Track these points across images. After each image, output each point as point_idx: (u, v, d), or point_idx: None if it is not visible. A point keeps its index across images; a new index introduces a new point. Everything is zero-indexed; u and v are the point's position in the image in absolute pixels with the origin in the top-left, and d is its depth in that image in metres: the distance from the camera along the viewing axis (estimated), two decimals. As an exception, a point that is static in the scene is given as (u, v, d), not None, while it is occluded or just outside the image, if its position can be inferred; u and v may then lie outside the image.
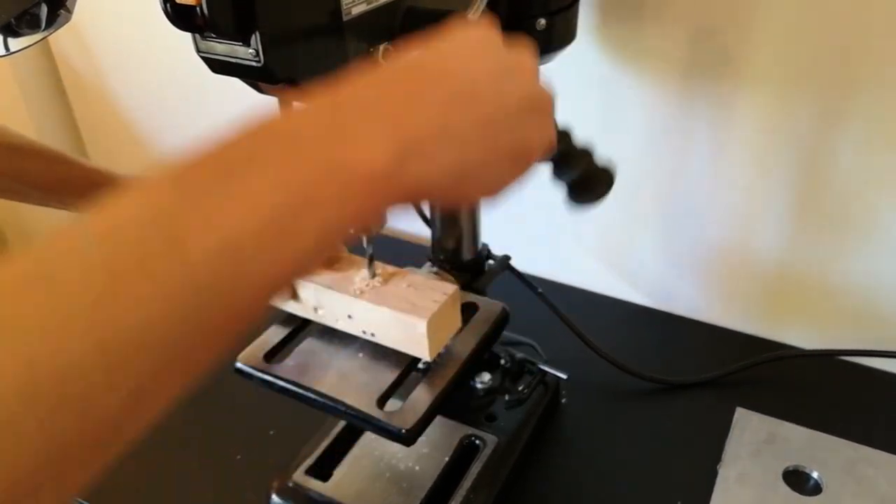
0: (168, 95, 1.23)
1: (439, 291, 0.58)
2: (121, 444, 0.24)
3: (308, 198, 0.27)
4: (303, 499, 0.66)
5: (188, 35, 0.43)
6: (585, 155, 0.52)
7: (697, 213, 0.86)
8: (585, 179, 0.51)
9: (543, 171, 0.93)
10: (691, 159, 0.83)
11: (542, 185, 0.94)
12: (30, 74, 1.31)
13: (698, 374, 0.82)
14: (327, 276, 0.61)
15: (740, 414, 0.77)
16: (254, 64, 0.42)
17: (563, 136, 0.52)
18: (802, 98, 0.74)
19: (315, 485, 0.67)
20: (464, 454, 0.70)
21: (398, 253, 1.04)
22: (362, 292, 0.59)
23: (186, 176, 0.26)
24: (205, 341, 0.26)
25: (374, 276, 0.60)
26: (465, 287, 0.70)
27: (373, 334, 0.60)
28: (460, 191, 0.34)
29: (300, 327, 0.64)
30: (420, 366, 0.60)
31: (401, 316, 0.57)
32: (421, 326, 0.56)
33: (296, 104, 0.31)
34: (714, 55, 0.76)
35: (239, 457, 0.77)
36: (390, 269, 0.62)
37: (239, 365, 0.62)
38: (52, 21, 0.57)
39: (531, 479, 0.73)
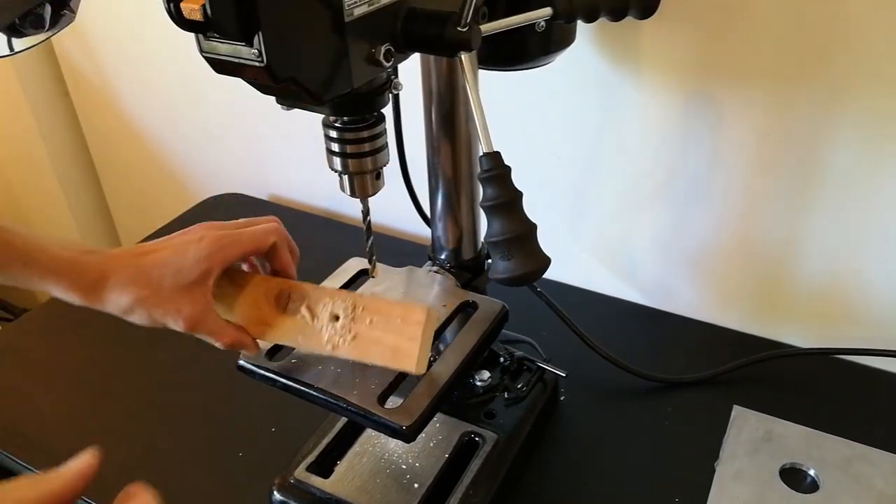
0: (171, 95, 1.23)
1: (412, 322, 0.55)
2: None
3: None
4: (304, 495, 0.67)
5: (191, 35, 0.44)
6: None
7: (695, 212, 0.87)
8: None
9: (543, 174, 0.94)
10: (689, 159, 0.84)
11: (541, 184, 0.94)
12: (33, 74, 1.31)
13: (696, 373, 0.83)
14: (289, 329, 0.58)
15: (737, 412, 0.77)
16: (256, 64, 0.42)
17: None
18: (800, 98, 0.75)
19: (316, 481, 0.67)
20: (463, 451, 0.70)
21: (398, 252, 1.05)
22: (335, 347, 0.57)
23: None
24: None
25: (337, 318, 0.57)
26: (465, 286, 0.70)
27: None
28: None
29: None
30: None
31: (387, 364, 0.55)
32: (411, 369, 0.55)
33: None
34: (712, 56, 0.77)
35: (241, 454, 0.77)
36: (351, 295, 0.58)
37: (241, 362, 0.62)
38: (56, 21, 0.57)
39: (530, 476, 0.73)
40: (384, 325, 0.56)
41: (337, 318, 0.57)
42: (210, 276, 0.55)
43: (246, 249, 0.57)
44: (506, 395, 0.75)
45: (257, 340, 0.59)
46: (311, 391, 0.59)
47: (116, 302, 0.54)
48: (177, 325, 0.55)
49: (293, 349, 0.62)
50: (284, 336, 0.58)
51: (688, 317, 0.94)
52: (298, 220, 1.18)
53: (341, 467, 0.69)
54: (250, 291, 0.59)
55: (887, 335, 0.82)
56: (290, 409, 0.71)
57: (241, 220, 0.59)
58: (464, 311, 0.67)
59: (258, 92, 0.48)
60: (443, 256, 0.72)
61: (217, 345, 0.57)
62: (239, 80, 0.46)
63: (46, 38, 0.58)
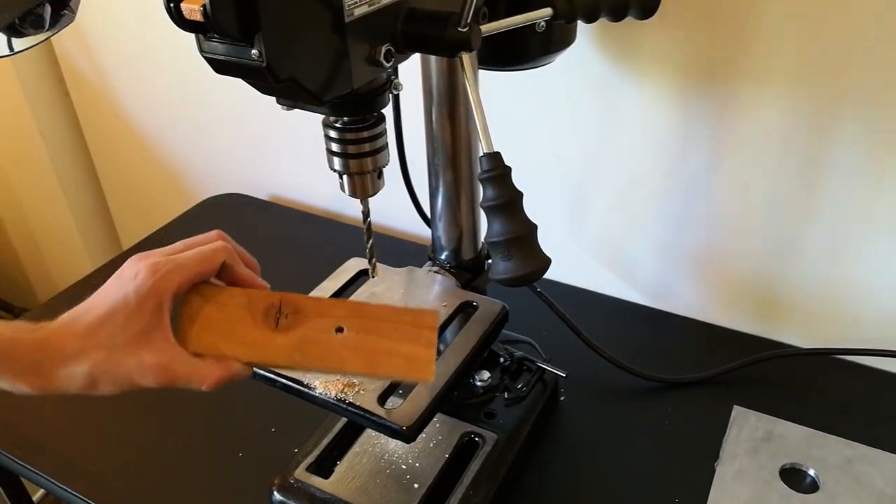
0: (170, 95, 1.23)
1: (425, 327, 0.51)
2: None
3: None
4: (304, 495, 0.67)
5: (191, 35, 0.44)
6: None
7: (696, 212, 0.87)
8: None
9: (543, 174, 0.94)
10: (690, 159, 0.84)
11: (541, 185, 0.94)
12: (33, 74, 1.31)
13: (696, 373, 0.83)
14: (285, 348, 0.51)
15: (738, 412, 0.77)
16: (257, 65, 0.42)
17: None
18: (801, 99, 0.74)
19: (316, 482, 0.67)
20: (463, 451, 0.70)
21: (398, 252, 1.05)
22: (342, 362, 0.51)
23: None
24: None
25: (340, 330, 0.52)
26: (465, 286, 0.70)
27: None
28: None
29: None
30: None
31: (401, 375, 0.51)
32: (428, 377, 0.51)
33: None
34: (713, 57, 0.77)
35: (241, 454, 0.77)
36: (352, 304, 0.54)
37: (241, 362, 0.62)
38: (56, 21, 0.57)
39: (530, 476, 0.73)
40: (395, 334, 0.51)
41: (340, 330, 0.51)
42: (162, 311, 0.48)
43: (191, 274, 0.49)
44: (506, 395, 0.75)
45: (249, 362, 0.52)
46: (311, 391, 0.59)
47: (71, 378, 0.47)
48: (146, 381, 0.48)
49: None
50: (280, 356, 0.51)
51: (688, 317, 0.94)
52: (298, 220, 1.18)
53: (341, 467, 0.69)
54: (229, 308, 0.51)
55: (887, 335, 0.82)
56: (290, 409, 0.71)
57: (178, 244, 0.52)
58: (464, 311, 0.67)
59: (258, 92, 0.48)
60: (443, 256, 0.72)
61: (203, 389, 0.50)
62: (239, 80, 0.46)
63: (46, 38, 0.58)
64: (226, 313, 0.51)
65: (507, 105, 0.90)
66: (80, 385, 0.48)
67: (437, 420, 0.72)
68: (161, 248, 0.51)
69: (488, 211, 0.51)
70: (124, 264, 0.49)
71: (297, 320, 0.51)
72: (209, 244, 0.51)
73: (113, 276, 0.49)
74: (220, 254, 0.51)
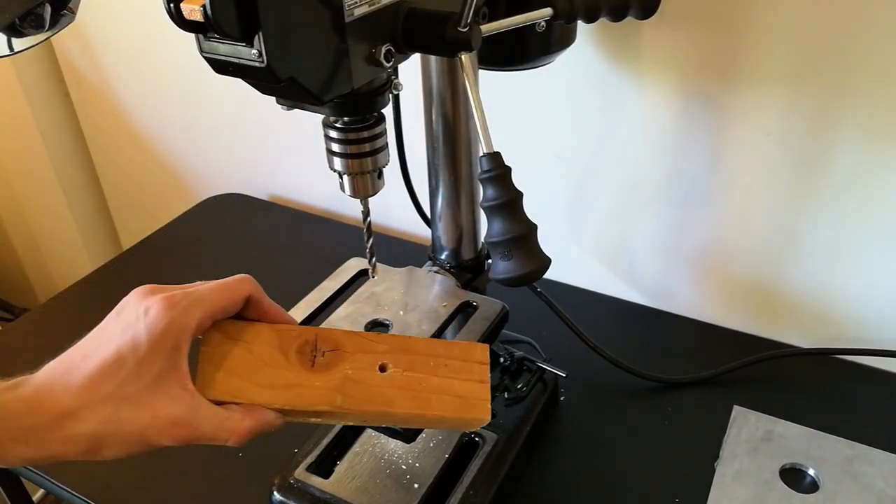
0: (170, 96, 1.23)
1: (476, 361, 0.47)
2: None
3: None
4: (304, 495, 0.67)
5: (191, 35, 0.44)
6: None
7: (696, 212, 0.87)
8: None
9: (543, 173, 0.94)
10: (690, 159, 0.84)
11: (541, 184, 0.94)
12: (33, 74, 1.31)
13: (696, 373, 0.83)
14: (322, 389, 0.45)
15: (738, 412, 0.77)
16: (257, 65, 0.42)
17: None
18: (801, 99, 0.75)
19: (316, 481, 0.67)
20: (463, 451, 0.70)
21: (398, 252, 1.05)
22: (390, 403, 0.46)
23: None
24: None
25: (384, 369, 0.47)
26: (465, 286, 0.70)
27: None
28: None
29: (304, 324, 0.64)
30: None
31: (454, 416, 0.47)
32: (484, 417, 0.47)
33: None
34: (713, 57, 0.77)
35: (241, 454, 0.77)
36: (395, 339, 0.49)
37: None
38: (56, 21, 0.57)
39: (530, 476, 0.73)
40: (445, 370, 0.47)
41: (384, 368, 0.47)
42: (179, 354, 0.41)
43: (213, 308, 0.43)
44: (506, 395, 0.75)
45: (282, 409, 0.46)
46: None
47: (70, 442, 0.40)
48: (163, 439, 0.41)
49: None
50: (319, 400, 0.45)
51: (688, 317, 0.94)
52: (298, 220, 1.18)
53: (341, 467, 0.69)
54: (258, 346, 0.46)
55: (887, 335, 0.82)
56: (290, 409, 0.72)
57: (195, 283, 0.46)
58: (464, 312, 0.67)
59: (258, 92, 0.48)
60: (443, 256, 0.72)
61: (229, 444, 0.44)
62: (239, 80, 0.46)
63: (46, 38, 0.58)
64: (254, 353, 0.45)
65: (507, 105, 0.90)
66: (81, 450, 0.40)
67: (437, 420, 0.72)
68: (166, 286, 0.45)
69: (488, 211, 0.51)
70: (125, 299, 0.43)
71: (336, 358, 0.47)
72: (232, 277, 0.46)
73: (111, 314, 0.43)
74: (245, 285, 0.45)
